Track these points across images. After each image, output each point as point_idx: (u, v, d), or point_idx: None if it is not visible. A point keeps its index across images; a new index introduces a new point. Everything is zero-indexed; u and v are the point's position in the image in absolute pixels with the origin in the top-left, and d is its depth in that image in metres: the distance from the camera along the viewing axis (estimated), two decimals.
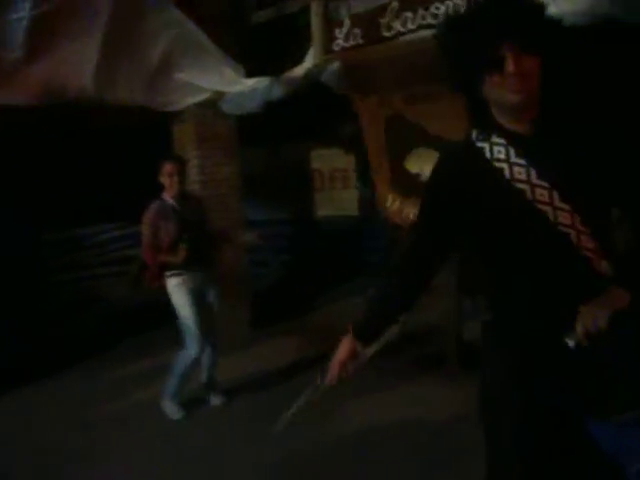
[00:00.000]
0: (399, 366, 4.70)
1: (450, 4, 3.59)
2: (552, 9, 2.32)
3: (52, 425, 4.21)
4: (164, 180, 4.07)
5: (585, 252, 1.63)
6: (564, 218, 1.63)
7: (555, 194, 1.64)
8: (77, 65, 4.52)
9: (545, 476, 1.73)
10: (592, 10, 2.92)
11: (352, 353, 1.94)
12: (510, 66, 1.57)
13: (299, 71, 4.64)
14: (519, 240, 1.71)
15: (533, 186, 1.65)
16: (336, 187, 8.02)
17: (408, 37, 3.91)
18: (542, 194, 1.65)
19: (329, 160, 7.71)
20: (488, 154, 1.71)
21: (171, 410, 4.22)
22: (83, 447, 3.83)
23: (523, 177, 1.66)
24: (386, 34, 4.05)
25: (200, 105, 5.33)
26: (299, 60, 4.67)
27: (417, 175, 4.25)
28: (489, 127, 1.73)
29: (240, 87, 4.97)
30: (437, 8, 3.66)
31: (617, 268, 1.64)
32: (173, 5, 4.50)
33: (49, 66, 4.43)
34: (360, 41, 4.27)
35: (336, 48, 4.45)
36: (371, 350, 1.96)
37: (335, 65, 4.38)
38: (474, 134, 1.77)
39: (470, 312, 4.63)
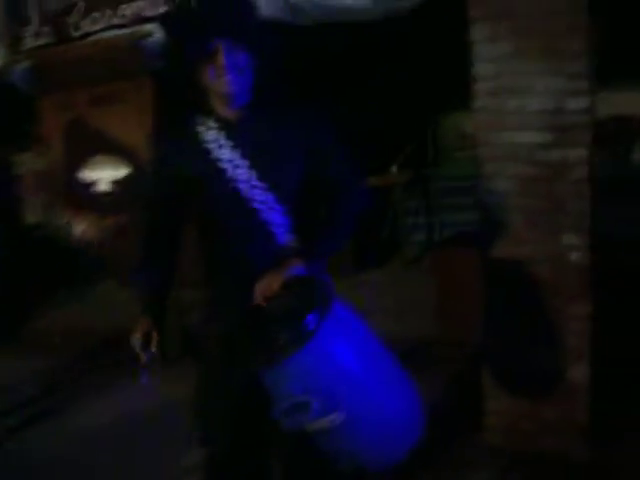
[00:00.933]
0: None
1: (136, 5, 3.69)
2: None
3: None
4: None
5: (271, 227, 1.89)
6: (258, 195, 1.88)
7: (253, 173, 1.88)
8: None
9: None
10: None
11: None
12: (220, 59, 1.77)
13: None
14: (220, 216, 1.94)
15: (235, 166, 1.89)
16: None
17: (97, 37, 3.94)
18: (242, 173, 1.88)
19: (30, 164, 7.30)
20: (203, 137, 1.92)
21: None
22: None
23: (226, 157, 1.90)
24: (75, 34, 4.02)
25: None
26: None
27: (91, 184, 4.23)
28: (206, 113, 1.94)
29: None
30: (124, 9, 3.74)
31: (301, 240, 1.92)
32: None
33: None
34: (50, 40, 4.17)
35: (25, 47, 4.27)
36: None
37: (24, 64, 4.21)
38: (196, 119, 1.96)
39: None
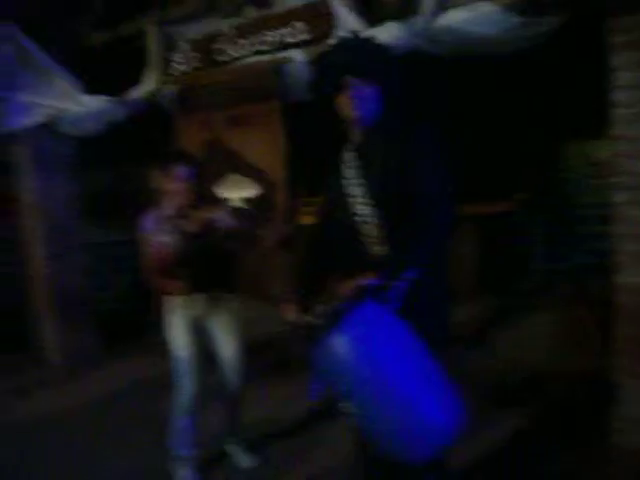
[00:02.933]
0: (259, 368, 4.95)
1: (279, 32, 3.90)
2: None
3: None
4: (174, 187, 3.16)
5: (364, 238, 2.20)
6: (360, 210, 2.21)
7: (360, 190, 2.21)
8: None
9: None
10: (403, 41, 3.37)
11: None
12: (348, 92, 2.19)
13: (138, 93, 4.74)
14: (335, 226, 2.34)
15: (351, 184, 2.25)
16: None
17: (242, 62, 4.18)
18: (354, 189, 2.24)
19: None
20: (343, 158, 2.33)
21: (181, 475, 3.40)
22: None
23: (349, 175, 2.27)
24: (220, 59, 4.28)
25: (38, 126, 5.23)
26: (136, 82, 4.77)
27: (226, 199, 4.42)
28: (348, 138, 2.34)
29: (79, 106, 4.96)
30: (267, 36, 3.98)
31: (388, 252, 2.16)
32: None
33: None
34: (197, 64, 4.47)
35: (175, 72, 4.61)
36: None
37: (171, 88, 4.54)
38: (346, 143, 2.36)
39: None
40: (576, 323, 4.25)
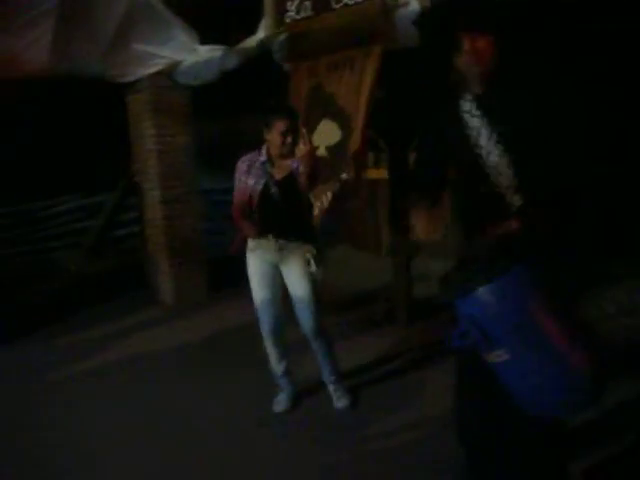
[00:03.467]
0: (354, 319, 5.18)
1: None
2: None
3: (16, 390, 4.27)
4: (272, 138, 3.34)
5: (499, 189, 2.18)
6: (491, 160, 2.18)
7: (492, 139, 2.19)
8: (33, 39, 4.57)
9: None
10: None
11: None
12: (465, 46, 2.16)
13: (252, 42, 4.79)
14: (465, 172, 2.31)
15: (479, 134, 2.22)
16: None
17: (352, 7, 4.10)
18: (482, 139, 2.21)
19: None
20: (461, 108, 2.29)
21: (276, 401, 3.74)
22: (50, 410, 3.93)
23: (474, 124, 2.24)
24: (335, 6, 4.22)
25: (155, 75, 5.42)
26: (252, 32, 4.82)
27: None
28: (464, 89, 2.30)
29: (195, 56, 5.09)
30: None
31: (525, 202, 2.15)
32: None
33: (4, 41, 4.49)
34: (310, 13, 4.44)
35: (287, 20, 4.60)
36: None
37: (283, 36, 4.54)
38: (458, 94, 2.33)
39: None
40: None
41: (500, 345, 1.95)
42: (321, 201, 4.26)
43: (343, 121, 4.24)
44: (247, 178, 3.44)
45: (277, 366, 3.69)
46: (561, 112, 2.15)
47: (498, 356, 1.96)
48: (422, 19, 2.50)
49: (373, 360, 4.30)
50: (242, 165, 3.49)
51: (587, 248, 2.29)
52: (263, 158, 3.43)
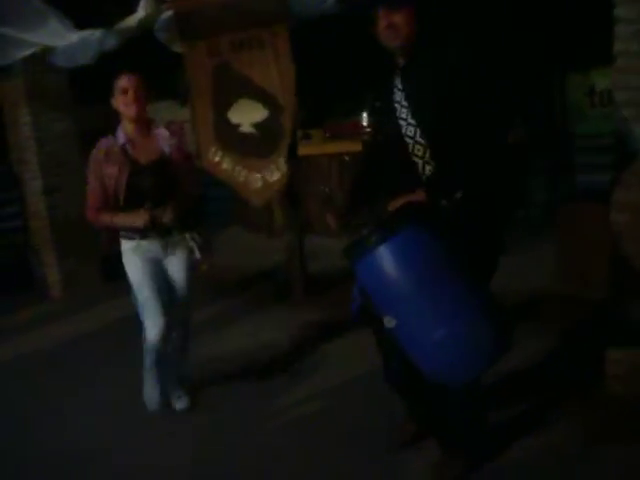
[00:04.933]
0: (252, 297, 5.22)
1: None
2: None
3: None
4: (117, 103, 3.02)
5: (414, 158, 2.24)
6: (408, 130, 2.24)
7: (408, 110, 2.25)
8: None
9: None
10: None
11: None
12: (382, 22, 2.23)
13: (132, 21, 4.62)
14: (386, 148, 2.40)
15: (401, 106, 2.28)
16: None
17: None
18: (403, 112, 2.27)
19: (165, 113, 7.62)
20: (392, 82, 2.34)
21: (149, 400, 3.37)
22: None
23: (397, 98, 2.30)
24: None
25: (28, 59, 5.14)
26: (132, 10, 4.66)
27: (237, 126, 4.35)
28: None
29: (70, 40, 4.87)
30: None
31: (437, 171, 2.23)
32: None
33: None
34: None
35: None
36: None
37: (167, 14, 4.42)
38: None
39: None
40: (572, 248, 4.29)
41: (386, 311, 2.04)
42: (264, 176, 4.27)
43: (267, 100, 4.21)
44: (106, 167, 3.00)
45: (152, 372, 3.28)
46: (473, 86, 2.19)
47: (389, 322, 2.04)
48: None
49: (272, 336, 4.33)
50: (98, 154, 3.04)
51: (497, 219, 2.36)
52: (122, 140, 3.04)
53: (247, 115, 4.27)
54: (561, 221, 4.49)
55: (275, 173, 4.27)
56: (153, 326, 3.10)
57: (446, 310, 1.98)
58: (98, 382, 3.91)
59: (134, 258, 3.10)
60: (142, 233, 3.03)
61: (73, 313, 5.39)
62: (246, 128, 4.27)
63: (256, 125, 4.27)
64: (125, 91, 2.99)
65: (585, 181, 6.08)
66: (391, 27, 2.21)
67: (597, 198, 3.66)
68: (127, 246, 3.12)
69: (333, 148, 6.73)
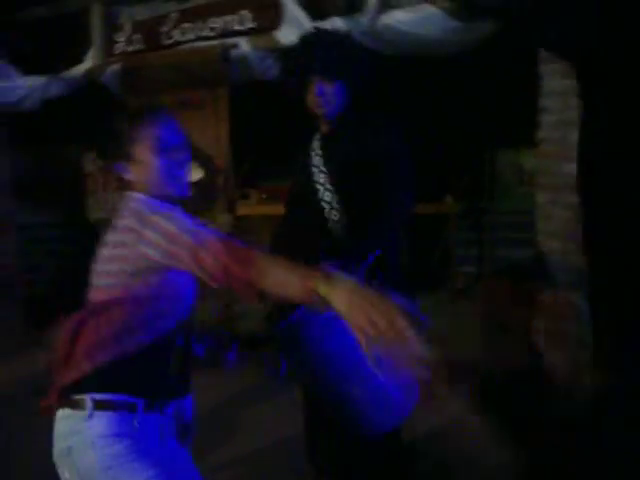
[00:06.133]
0: None
1: (223, 20, 3.95)
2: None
3: None
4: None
5: (330, 224, 2.33)
6: (326, 196, 2.33)
7: (327, 177, 2.35)
8: None
9: None
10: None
11: None
12: (313, 91, 2.31)
13: (78, 71, 4.66)
14: (301, 211, 2.46)
15: (320, 171, 2.38)
16: (110, 190, 7.85)
17: (186, 46, 4.19)
18: (321, 178, 2.37)
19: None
20: (312, 146, 2.46)
21: None
22: None
23: (316, 163, 2.40)
24: (166, 42, 4.27)
25: None
26: (77, 60, 4.69)
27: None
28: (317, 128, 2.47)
29: (13, 84, 4.85)
30: (214, 22, 4.00)
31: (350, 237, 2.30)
32: None
33: None
34: (141, 46, 4.44)
35: (117, 51, 4.56)
36: None
37: (115, 67, 4.49)
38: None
39: None
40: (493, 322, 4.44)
41: (313, 374, 2.09)
42: None
43: (203, 161, 4.28)
44: None
45: None
46: (379, 163, 2.29)
47: (310, 382, 2.14)
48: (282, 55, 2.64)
49: (202, 401, 4.22)
50: None
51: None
52: None
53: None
54: (483, 296, 4.64)
55: None
56: None
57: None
58: None
59: None
60: None
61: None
62: None
63: (192, 185, 4.33)
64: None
65: (506, 256, 6.32)
66: (322, 96, 2.31)
67: (515, 275, 3.85)
68: None
69: (269, 210, 6.79)
